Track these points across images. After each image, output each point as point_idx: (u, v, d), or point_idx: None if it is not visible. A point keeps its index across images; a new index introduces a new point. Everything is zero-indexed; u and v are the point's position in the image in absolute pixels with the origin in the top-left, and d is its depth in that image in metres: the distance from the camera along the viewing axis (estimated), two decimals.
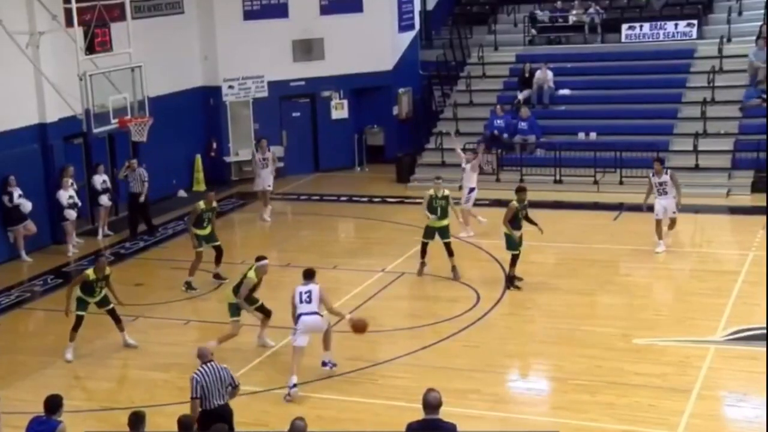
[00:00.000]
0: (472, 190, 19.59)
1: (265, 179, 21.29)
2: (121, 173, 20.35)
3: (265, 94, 25.07)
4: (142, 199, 20.06)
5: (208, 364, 10.15)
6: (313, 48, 25.18)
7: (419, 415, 8.69)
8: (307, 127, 25.83)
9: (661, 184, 17.73)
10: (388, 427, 10.70)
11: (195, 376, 10.05)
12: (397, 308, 15.72)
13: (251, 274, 13.45)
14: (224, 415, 10.05)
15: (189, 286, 16.74)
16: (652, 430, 11.20)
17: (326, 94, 25.77)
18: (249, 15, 24.78)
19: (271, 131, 25.19)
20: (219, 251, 17.14)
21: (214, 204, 17.31)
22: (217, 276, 17.02)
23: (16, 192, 18.66)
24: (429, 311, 14.94)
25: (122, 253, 19.26)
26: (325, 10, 25.35)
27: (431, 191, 16.74)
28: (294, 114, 25.63)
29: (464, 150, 21.05)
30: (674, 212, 17.76)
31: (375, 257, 18.16)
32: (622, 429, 11.23)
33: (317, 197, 23.16)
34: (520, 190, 16.12)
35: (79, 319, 13.93)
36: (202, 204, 17.02)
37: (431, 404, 8.42)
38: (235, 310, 13.59)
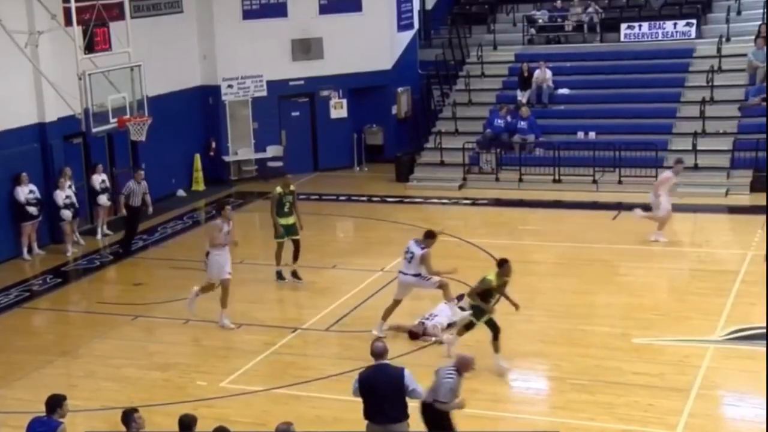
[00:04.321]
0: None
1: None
2: (127, 189, 19.05)
3: (265, 93, 25.05)
4: (150, 211, 19.49)
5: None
6: (312, 47, 25.17)
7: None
8: (306, 127, 25.82)
9: None
10: None
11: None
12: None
13: (491, 276, 12.80)
14: None
15: (279, 275, 16.73)
16: (651, 430, 11.20)
17: (325, 93, 25.77)
18: (248, 14, 24.77)
19: (271, 130, 25.24)
20: (297, 246, 16.75)
21: (292, 187, 16.85)
22: (294, 274, 16.71)
23: (28, 188, 18.83)
24: (428, 311, 14.90)
25: (121, 252, 19.23)
26: (324, 10, 25.34)
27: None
28: (293, 113, 25.62)
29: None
30: None
31: (374, 257, 18.15)
32: (621, 428, 11.22)
33: (316, 197, 23.13)
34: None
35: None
36: (279, 188, 16.68)
37: (376, 352, 9.41)
38: (478, 311, 12.91)
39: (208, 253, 14.92)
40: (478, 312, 12.91)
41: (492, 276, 12.76)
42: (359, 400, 9.53)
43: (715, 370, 12.70)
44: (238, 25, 24.60)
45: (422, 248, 13.95)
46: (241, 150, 25.00)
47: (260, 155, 25.07)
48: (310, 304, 15.80)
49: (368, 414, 9.45)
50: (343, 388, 12.42)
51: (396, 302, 14.27)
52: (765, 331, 13.37)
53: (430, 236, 14.08)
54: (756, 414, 11.33)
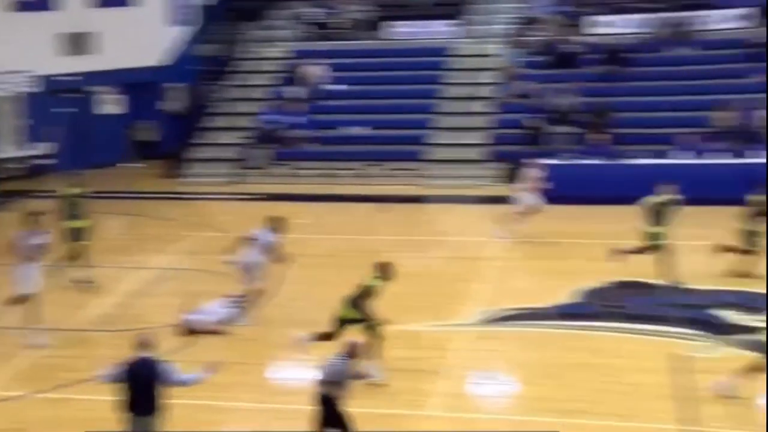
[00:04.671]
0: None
1: None
2: None
3: (34, 88, 24.34)
4: None
5: None
6: (84, 42, 24.67)
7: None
8: (78, 123, 25.30)
9: None
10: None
11: None
12: (166, 304, 15.71)
13: (375, 282, 12.48)
14: None
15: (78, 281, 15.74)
16: (409, 411, 11.76)
17: (98, 88, 25.31)
18: (17, 6, 23.99)
19: (41, 126, 24.56)
20: (84, 251, 15.81)
21: (82, 189, 15.93)
22: (82, 281, 15.77)
23: None
24: (202, 306, 14.99)
25: None
26: (97, 3, 24.93)
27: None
28: (64, 109, 25.04)
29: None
30: None
31: (145, 254, 18.10)
32: (380, 413, 11.62)
33: (89, 194, 22.64)
34: None
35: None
36: (68, 189, 15.72)
37: (140, 344, 9.74)
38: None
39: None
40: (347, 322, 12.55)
41: (377, 282, 12.61)
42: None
43: (470, 351, 13.56)
44: (6, 17, 23.79)
45: (274, 236, 14.24)
46: (8, 147, 24.18)
47: (29, 152, 24.35)
48: (77, 304, 15.55)
49: (128, 405, 9.61)
50: (110, 388, 12.41)
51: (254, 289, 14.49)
52: (518, 313, 14.50)
53: (279, 223, 14.31)
54: (499, 390, 12.37)
